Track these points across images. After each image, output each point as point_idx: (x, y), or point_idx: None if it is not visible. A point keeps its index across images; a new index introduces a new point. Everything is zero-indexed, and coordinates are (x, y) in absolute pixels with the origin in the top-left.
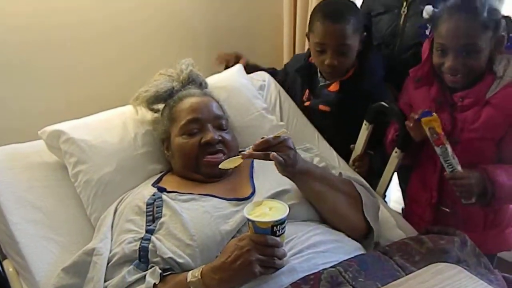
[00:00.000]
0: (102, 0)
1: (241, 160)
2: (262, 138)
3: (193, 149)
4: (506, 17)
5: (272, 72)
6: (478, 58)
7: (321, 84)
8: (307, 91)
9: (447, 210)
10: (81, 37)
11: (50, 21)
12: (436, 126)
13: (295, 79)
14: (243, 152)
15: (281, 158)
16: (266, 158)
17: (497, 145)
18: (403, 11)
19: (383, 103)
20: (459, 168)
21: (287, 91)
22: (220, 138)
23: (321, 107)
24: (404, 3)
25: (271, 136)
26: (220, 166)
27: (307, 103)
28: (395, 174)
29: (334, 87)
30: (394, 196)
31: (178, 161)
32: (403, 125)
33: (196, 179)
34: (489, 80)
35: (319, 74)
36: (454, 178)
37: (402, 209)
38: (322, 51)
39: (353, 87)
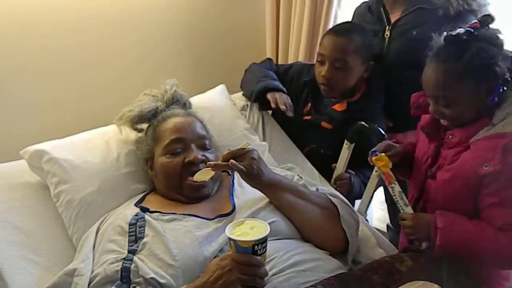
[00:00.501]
0: (82, 27)
1: (213, 172)
2: (229, 149)
3: (177, 168)
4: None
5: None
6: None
7: (326, 101)
8: (309, 104)
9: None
10: (66, 61)
11: (32, 45)
12: (382, 166)
13: (301, 89)
14: (208, 163)
15: (241, 166)
16: (229, 167)
17: (474, 196)
18: (387, 35)
19: (363, 123)
20: (407, 209)
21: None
22: (203, 158)
23: (324, 124)
24: (387, 27)
25: (236, 148)
26: (194, 179)
27: (307, 117)
28: (382, 190)
29: (340, 107)
30: (377, 214)
31: (161, 181)
32: None
33: (180, 200)
34: (481, 125)
35: None
36: (401, 219)
37: (387, 225)
38: (322, 62)
39: (359, 110)
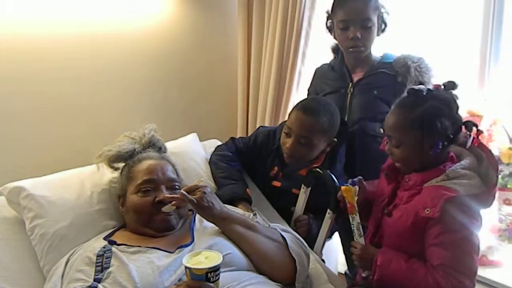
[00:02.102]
0: (58, 73)
1: (174, 206)
2: (185, 185)
3: (147, 206)
4: None
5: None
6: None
7: (291, 167)
8: (276, 168)
9: None
10: (45, 106)
11: (12, 89)
12: (349, 195)
13: (269, 154)
14: (166, 196)
15: (191, 198)
16: (181, 200)
17: (421, 235)
18: (350, 90)
19: (318, 169)
20: (360, 239)
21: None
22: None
23: (294, 191)
24: (350, 84)
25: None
26: (162, 209)
27: (276, 183)
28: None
29: (306, 172)
30: (342, 258)
31: (132, 216)
32: (334, 189)
33: (147, 233)
34: (436, 173)
35: None
36: (352, 247)
37: (345, 272)
38: (288, 134)
39: None
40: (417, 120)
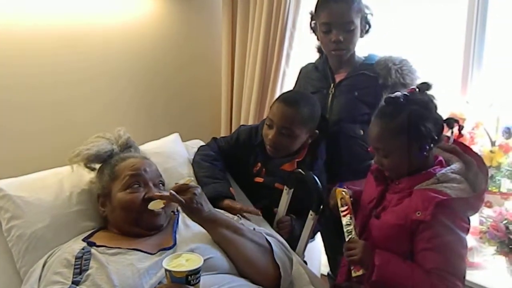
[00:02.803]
0: (34, 69)
1: (163, 202)
2: (175, 183)
3: (137, 202)
4: None
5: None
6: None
7: (275, 161)
8: (259, 164)
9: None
10: (21, 102)
11: None
12: (347, 198)
13: (251, 150)
14: (155, 194)
15: (180, 198)
16: (170, 198)
17: (410, 238)
18: (331, 91)
19: (300, 170)
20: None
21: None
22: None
23: (277, 185)
24: (332, 85)
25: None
26: (149, 207)
27: (259, 179)
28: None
29: (290, 167)
30: (324, 259)
31: (119, 214)
32: (317, 191)
33: (133, 232)
34: (426, 176)
35: None
36: (351, 242)
37: (328, 273)
38: (270, 126)
39: (307, 168)
40: (400, 128)
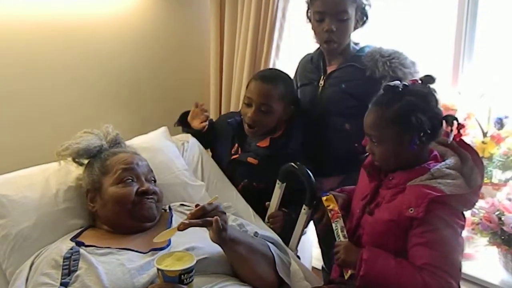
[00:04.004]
0: (21, 63)
1: (174, 232)
2: (197, 205)
3: (130, 195)
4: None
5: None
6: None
7: (250, 139)
8: (236, 145)
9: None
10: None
11: None
12: (331, 204)
13: (228, 132)
14: (183, 221)
15: (220, 223)
16: (205, 225)
17: (403, 234)
18: (321, 84)
19: (293, 164)
20: (344, 240)
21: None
22: (154, 189)
23: (249, 159)
24: (322, 77)
25: (206, 203)
26: (154, 240)
27: (235, 156)
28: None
29: (264, 143)
30: (315, 253)
31: (110, 209)
32: (310, 184)
33: (126, 227)
34: (420, 172)
35: None
36: (336, 245)
37: (322, 267)
38: (249, 104)
39: (280, 146)
40: (393, 117)
